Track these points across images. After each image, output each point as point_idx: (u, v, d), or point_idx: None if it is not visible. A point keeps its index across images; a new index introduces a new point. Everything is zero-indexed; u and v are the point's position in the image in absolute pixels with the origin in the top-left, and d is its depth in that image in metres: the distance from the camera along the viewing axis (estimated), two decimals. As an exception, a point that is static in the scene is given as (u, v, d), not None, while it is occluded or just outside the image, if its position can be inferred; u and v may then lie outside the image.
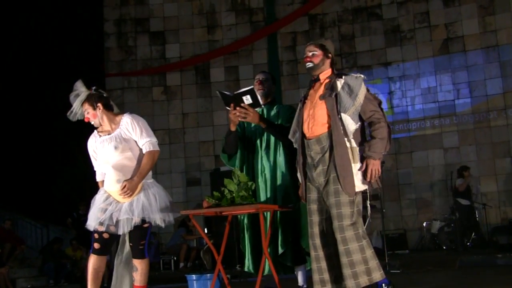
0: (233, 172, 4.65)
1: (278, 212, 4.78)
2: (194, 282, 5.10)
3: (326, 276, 4.25)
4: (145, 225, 4.59)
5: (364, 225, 4.23)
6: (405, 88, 14.83)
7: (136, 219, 4.52)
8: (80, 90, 4.71)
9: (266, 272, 4.80)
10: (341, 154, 4.13)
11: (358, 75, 4.26)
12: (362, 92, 4.18)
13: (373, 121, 4.19)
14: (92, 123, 4.74)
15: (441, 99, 14.51)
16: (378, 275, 4.13)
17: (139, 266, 4.67)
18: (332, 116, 4.18)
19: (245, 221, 4.98)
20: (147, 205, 4.56)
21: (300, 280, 4.95)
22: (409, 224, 14.16)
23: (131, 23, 15.98)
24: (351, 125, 4.15)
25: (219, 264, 4.77)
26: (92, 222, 4.61)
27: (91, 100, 4.69)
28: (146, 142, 4.63)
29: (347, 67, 15.10)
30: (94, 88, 4.77)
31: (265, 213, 4.78)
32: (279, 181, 4.87)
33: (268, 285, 4.94)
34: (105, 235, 4.58)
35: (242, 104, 4.65)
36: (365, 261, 4.09)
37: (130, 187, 4.51)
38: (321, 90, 4.31)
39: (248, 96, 4.61)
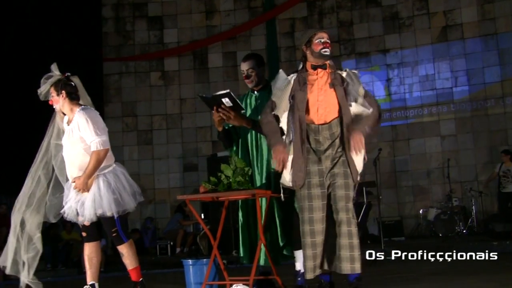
0: (230, 157, 4.64)
1: (275, 203, 4.73)
2: (191, 267, 5.10)
3: (318, 262, 4.24)
4: (108, 215, 4.65)
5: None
6: (403, 75, 14.81)
7: (88, 215, 4.62)
8: (54, 73, 4.76)
9: (262, 263, 4.77)
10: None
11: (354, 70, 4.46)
12: (360, 83, 4.38)
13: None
14: (54, 107, 4.80)
15: (439, 86, 14.51)
16: (358, 266, 4.15)
17: (122, 251, 4.79)
18: (343, 105, 4.28)
19: (240, 214, 4.92)
20: (98, 198, 4.62)
21: (298, 264, 4.91)
22: (406, 211, 14.21)
23: (129, 8, 15.91)
24: (364, 111, 4.26)
25: (215, 249, 4.78)
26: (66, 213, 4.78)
27: (58, 85, 4.73)
28: (93, 141, 4.60)
29: (345, 54, 15.07)
30: (67, 74, 4.79)
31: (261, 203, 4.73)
32: (272, 171, 4.74)
33: (265, 270, 4.92)
34: (86, 223, 4.74)
35: (222, 106, 4.58)
36: (358, 247, 4.14)
37: (77, 185, 4.59)
38: (327, 78, 4.35)
39: (227, 99, 4.55)
